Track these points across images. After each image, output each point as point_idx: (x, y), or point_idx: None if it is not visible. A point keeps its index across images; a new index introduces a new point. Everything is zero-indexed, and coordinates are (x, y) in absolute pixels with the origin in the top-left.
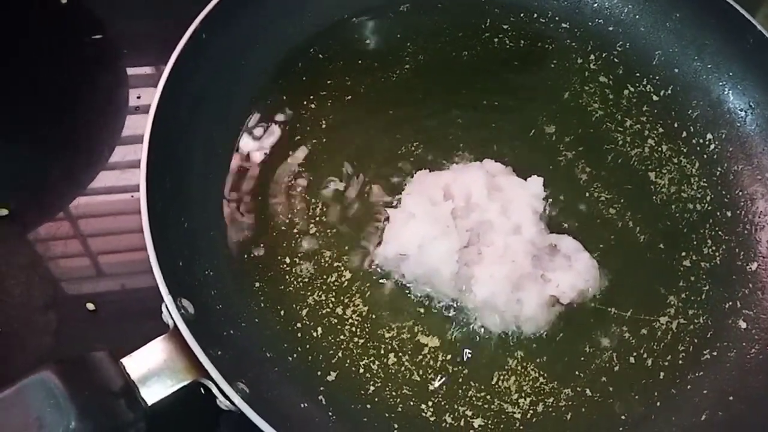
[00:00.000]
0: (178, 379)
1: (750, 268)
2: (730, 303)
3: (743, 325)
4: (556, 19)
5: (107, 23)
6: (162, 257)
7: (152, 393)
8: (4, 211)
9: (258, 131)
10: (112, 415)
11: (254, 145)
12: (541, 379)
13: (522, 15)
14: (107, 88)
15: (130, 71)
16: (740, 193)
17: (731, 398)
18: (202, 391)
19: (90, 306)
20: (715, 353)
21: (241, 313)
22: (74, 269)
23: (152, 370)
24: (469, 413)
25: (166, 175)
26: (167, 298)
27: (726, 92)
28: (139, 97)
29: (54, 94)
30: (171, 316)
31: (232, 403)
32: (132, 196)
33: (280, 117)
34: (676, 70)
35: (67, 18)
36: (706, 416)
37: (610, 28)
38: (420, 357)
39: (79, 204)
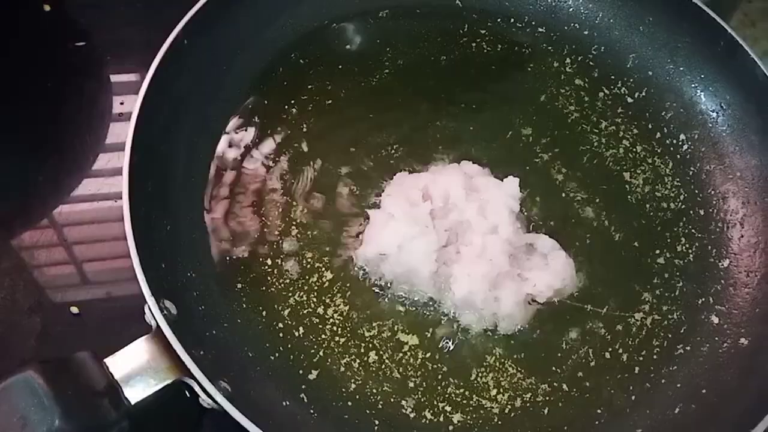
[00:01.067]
0: (160, 379)
1: (722, 264)
2: (703, 299)
3: (715, 320)
4: (533, 23)
5: (91, 30)
6: (145, 260)
7: (135, 392)
8: None
9: (239, 136)
10: (95, 414)
11: (235, 150)
12: (518, 375)
13: (499, 20)
14: (91, 95)
15: (114, 78)
16: (712, 192)
17: (704, 391)
18: (187, 393)
19: (74, 309)
20: (688, 348)
21: (223, 313)
22: (59, 276)
23: (135, 369)
24: (448, 409)
25: (148, 179)
26: (150, 300)
27: (698, 94)
28: (122, 104)
29: (37, 102)
30: (153, 316)
31: (215, 401)
32: (116, 203)
33: (261, 122)
34: (650, 73)
35: (50, 25)
36: (679, 409)
37: (585, 33)
38: (400, 355)
39: (62, 211)
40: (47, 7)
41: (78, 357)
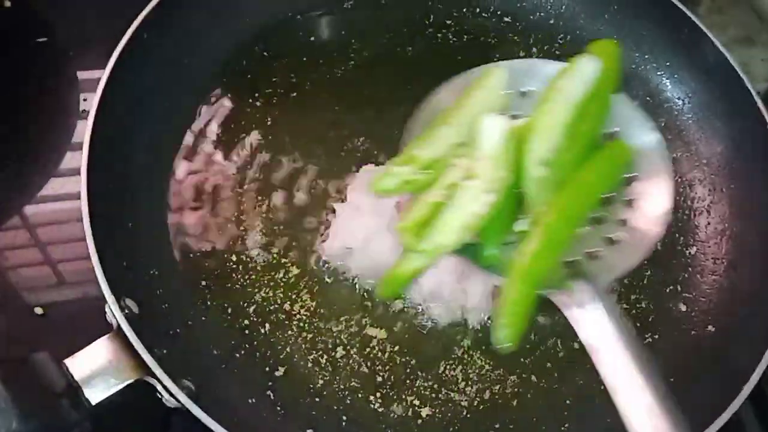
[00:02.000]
0: (122, 378)
1: (689, 252)
2: (671, 287)
3: (683, 308)
4: (498, 13)
5: (53, 26)
6: (105, 258)
7: (96, 393)
8: None
9: (202, 130)
10: (54, 416)
11: (198, 144)
12: (486, 367)
13: (464, 10)
14: (55, 93)
15: (80, 75)
16: (679, 180)
17: (672, 379)
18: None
19: (38, 310)
20: (656, 336)
21: (187, 311)
22: (22, 276)
23: (96, 370)
24: (416, 403)
25: (108, 176)
26: (109, 298)
27: (664, 82)
28: (86, 100)
29: (2, 99)
30: (114, 315)
31: (178, 400)
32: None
33: (224, 115)
34: None
35: (11, 21)
36: None
37: (551, 22)
38: (368, 349)
39: (27, 212)
40: (8, 3)
41: (36, 358)
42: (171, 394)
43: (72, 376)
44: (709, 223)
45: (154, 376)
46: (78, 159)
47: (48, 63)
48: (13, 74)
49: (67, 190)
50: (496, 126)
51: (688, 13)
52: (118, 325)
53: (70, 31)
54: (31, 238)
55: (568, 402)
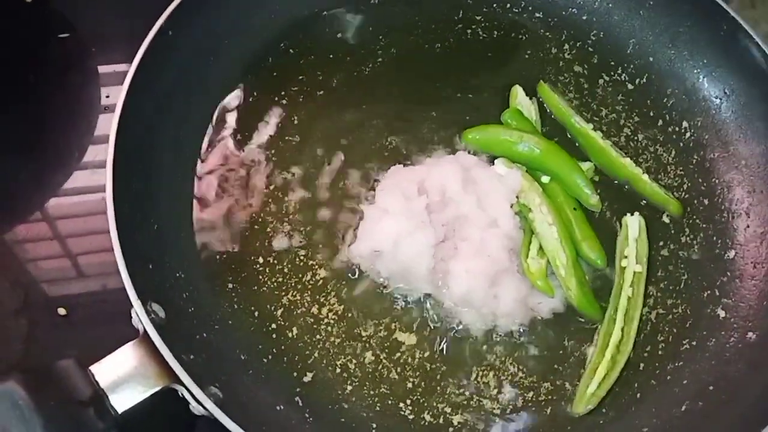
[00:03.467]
0: (148, 386)
1: (728, 256)
2: (709, 292)
3: (722, 313)
4: (530, 9)
5: (74, 22)
6: (130, 261)
7: (122, 400)
8: None
9: (228, 129)
10: (79, 425)
11: (223, 143)
12: (520, 374)
13: (495, 5)
14: (77, 88)
15: (102, 69)
16: (717, 181)
17: (711, 388)
18: (180, 395)
19: (61, 311)
20: (694, 343)
21: (213, 315)
22: (45, 272)
23: (122, 377)
24: (448, 410)
25: (133, 176)
26: (136, 303)
27: (701, 80)
28: (107, 96)
29: (22, 95)
30: (141, 321)
31: (205, 408)
32: (104, 197)
33: (250, 114)
34: (651, 59)
35: (32, 17)
36: (686, 407)
37: (584, 18)
38: (398, 355)
39: (51, 205)
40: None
41: (61, 365)
42: (198, 402)
43: (98, 383)
44: (748, 226)
45: (181, 383)
46: (100, 153)
47: (70, 58)
48: (36, 70)
49: (90, 183)
50: (635, 222)
51: (727, 8)
52: (145, 331)
53: (91, 26)
54: (54, 231)
55: (603, 410)
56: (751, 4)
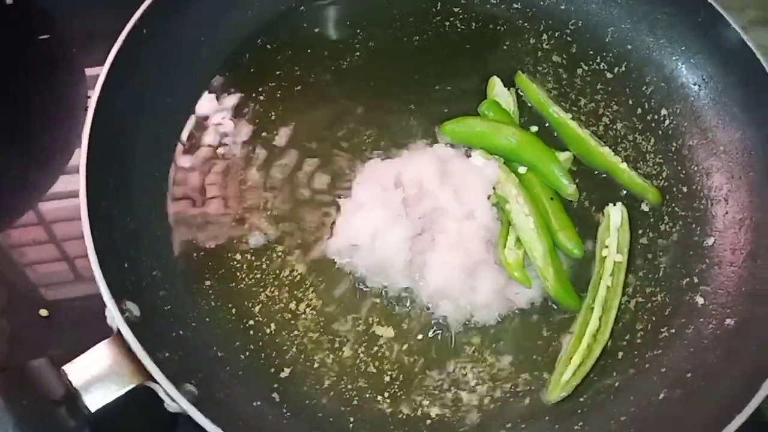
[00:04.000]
0: (122, 384)
1: (707, 243)
2: (688, 279)
3: (701, 300)
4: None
5: (56, 22)
6: (104, 260)
7: (95, 399)
8: None
9: (204, 125)
10: (51, 424)
11: (200, 140)
12: (497, 365)
13: None
14: (61, 89)
15: (89, 72)
16: (696, 168)
17: (689, 375)
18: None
19: (43, 312)
20: (673, 330)
21: (191, 312)
22: (28, 274)
23: (95, 375)
24: (425, 403)
25: (108, 175)
26: (109, 302)
27: (679, 67)
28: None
29: (5, 97)
30: (114, 319)
31: (180, 406)
32: None
33: (227, 110)
34: (629, 47)
35: (13, 19)
36: (664, 394)
37: (562, 7)
38: (375, 348)
39: (37, 208)
40: (9, 0)
41: (34, 365)
42: (173, 399)
43: (70, 383)
44: (727, 212)
45: (155, 381)
46: None
47: (51, 59)
48: (19, 72)
49: (76, 186)
50: (617, 212)
51: None
52: (119, 329)
53: (73, 27)
54: (37, 234)
55: (581, 399)
56: None
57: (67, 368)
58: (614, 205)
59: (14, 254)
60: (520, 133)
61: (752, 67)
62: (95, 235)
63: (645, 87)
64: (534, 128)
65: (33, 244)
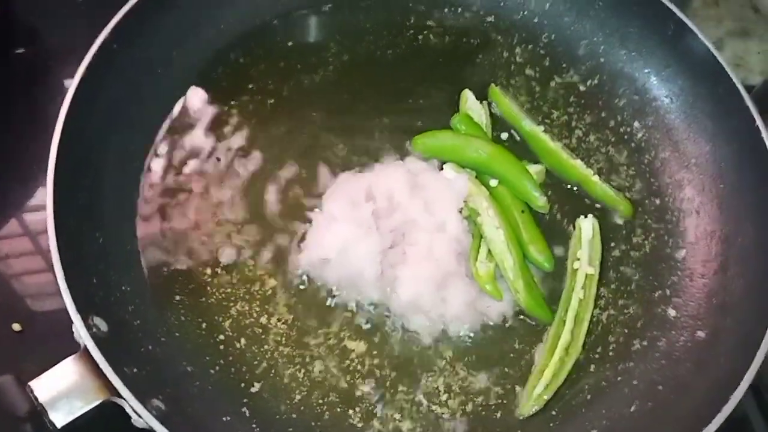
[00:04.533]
0: (88, 400)
1: (678, 255)
2: (660, 291)
3: (672, 313)
4: (481, 13)
5: (36, 36)
6: (72, 274)
7: (61, 415)
8: None
9: (174, 140)
10: None
11: (170, 155)
12: (470, 378)
13: (446, 10)
14: (39, 103)
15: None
16: (668, 180)
17: (660, 387)
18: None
19: (16, 327)
20: (645, 343)
21: (160, 327)
22: (1, 289)
23: (62, 392)
24: (397, 417)
25: (78, 191)
26: (75, 317)
27: (651, 80)
28: None
29: None
30: (80, 335)
31: (146, 422)
32: None
33: (198, 125)
34: (602, 60)
35: None
36: (635, 407)
37: (535, 20)
38: (347, 362)
39: (15, 221)
40: None
41: None
42: (140, 416)
43: (36, 399)
44: (698, 225)
45: (121, 396)
46: None
47: (29, 73)
48: None
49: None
50: (588, 224)
51: (674, 9)
52: (86, 345)
53: (51, 41)
54: (12, 248)
55: (553, 413)
56: (714, 2)
57: (33, 384)
58: (585, 217)
59: None
60: (490, 146)
61: (721, 80)
62: (62, 249)
63: (617, 100)
64: (505, 139)
65: (9, 257)
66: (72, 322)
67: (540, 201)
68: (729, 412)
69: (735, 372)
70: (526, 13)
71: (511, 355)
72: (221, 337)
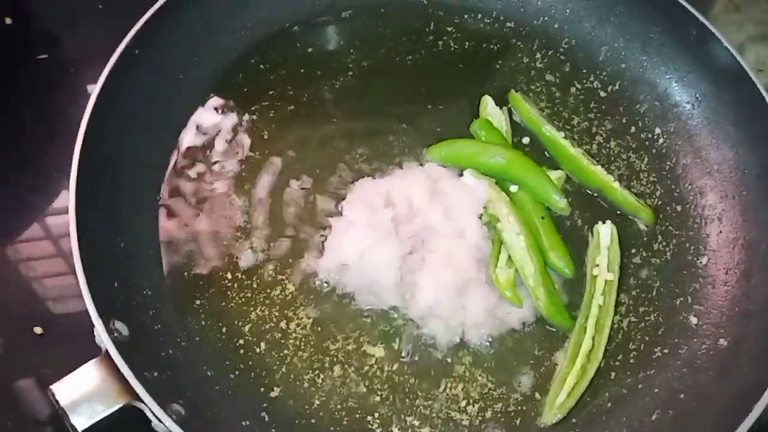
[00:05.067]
0: (109, 404)
1: (700, 262)
2: (681, 299)
3: (694, 320)
4: (501, 18)
5: (57, 42)
6: (93, 279)
7: (82, 419)
8: None
9: (195, 145)
10: None
11: (192, 160)
12: (489, 385)
13: (466, 16)
14: (60, 107)
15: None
16: (690, 187)
17: (682, 396)
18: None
19: (38, 330)
20: (666, 350)
21: (180, 332)
22: (22, 291)
23: (83, 395)
24: (416, 423)
25: (99, 196)
26: (96, 321)
27: (673, 85)
28: None
29: (6, 115)
30: (102, 339)
31: (166, 426)
32: None
33: (219, 130)
34: (623, 65)
35: (12, 37)
36: (656, 415)
37: (556, 26)
38: (366, 368)
39: (38, 225)
40: (9, 20)
41: (20, 385)
42: (160, 420)
43: (57, 402)
44: (720, 232)
45: (142, 401)
46: None
47: (51, 78)
48: (18, 90)
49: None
50: (606, 230)
51: (697, 14)
52: (107, 349)
53: (72, 47)
54: (34, 252)
55: (573, 421)
56: (735, 7)
57: (55, 388)
58: (603, 223)
59: (11, 270)
60: (507, 152)
61: (745, 86)
62: (84, 254)
63: (638, 106)
64: (526, 145)
65: (31, 259)
66: (93, 326)
67: (561, 203)
68: (752, 422)
69: (758, 381)
70: (546, 18)
71: (531, 362)
72: (241, 341)
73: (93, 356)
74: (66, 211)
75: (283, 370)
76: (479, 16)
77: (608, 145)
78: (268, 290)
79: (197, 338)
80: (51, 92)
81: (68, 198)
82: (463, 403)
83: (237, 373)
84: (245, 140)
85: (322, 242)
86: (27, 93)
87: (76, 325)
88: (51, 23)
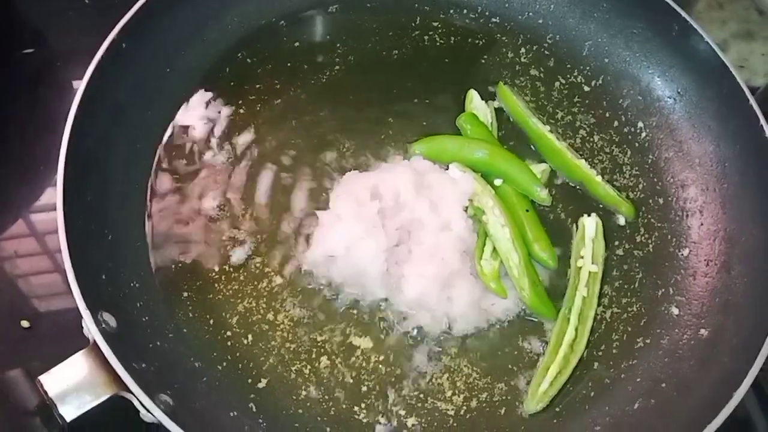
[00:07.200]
0: (97, 395)
1: (682, 254)
2: (663, 290)
3: (675, 311)
4: (486, 14)
5: (43, 36)
6: (81, 271)
7: (70, 409)
8: None
9: (183, 138)
10: None
11: (179, 153)
12: (474, 375)
13: (452, 11)
14: (45, 103)
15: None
16: (671, 180)
17: (663, 385)
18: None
19: (25, 323)
20: (648, 341)
21: (168, 323)
22: (9, 285)
23: (71, 386)
24: (402, 413)
25: (86, 189)
26: (85, 313)
27: (655, 80)
28: None
29: None
30: (90, 330)
31: (154, 416)
32: None
33: (206, 124)
34: (606, 60)
35: None
36: (639, 404)
37: (540, 21)
38: (353, 359)
39: (24, 221)
40: None
41: (8, 376)
42: (148, 410)
43: (46, 393)
44: (702, 224)
45: (130, 391)
46: None
47: (35, 74)
48: (4, 85)
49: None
50: (592, 223)
51: (679, 10)
52: (95, 340)
53: (58, 41)
54: (21, 247)
55: (557, 410)
56: (718, 5)
57: (43, 378)
58: (588, 216)
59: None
60: (488, 146)
61: (726, 81)
62: (72, 247)
63: (621, 100)
64: (510, 139)
65: (17, 256)
66: (81, 318)
67: (542, 194)
68: (732, 410)
69: (738, 370)
70: (530, 14)
71: (516, 352)
72: (228, 333)
73: (80, 350)
74: (52, 207)
75: (271, 361)
76: (465, 11)
77: (592, 139)
78: (256, 282)
79: (185, 330)
80: (37, 87)
81: (55, 193)
82: (449, 393)
83: (225, 364)
84: (232, 134)
85: (309, 234)
86: (13, 88)
87: (62, 320)
88: (37, 17)
